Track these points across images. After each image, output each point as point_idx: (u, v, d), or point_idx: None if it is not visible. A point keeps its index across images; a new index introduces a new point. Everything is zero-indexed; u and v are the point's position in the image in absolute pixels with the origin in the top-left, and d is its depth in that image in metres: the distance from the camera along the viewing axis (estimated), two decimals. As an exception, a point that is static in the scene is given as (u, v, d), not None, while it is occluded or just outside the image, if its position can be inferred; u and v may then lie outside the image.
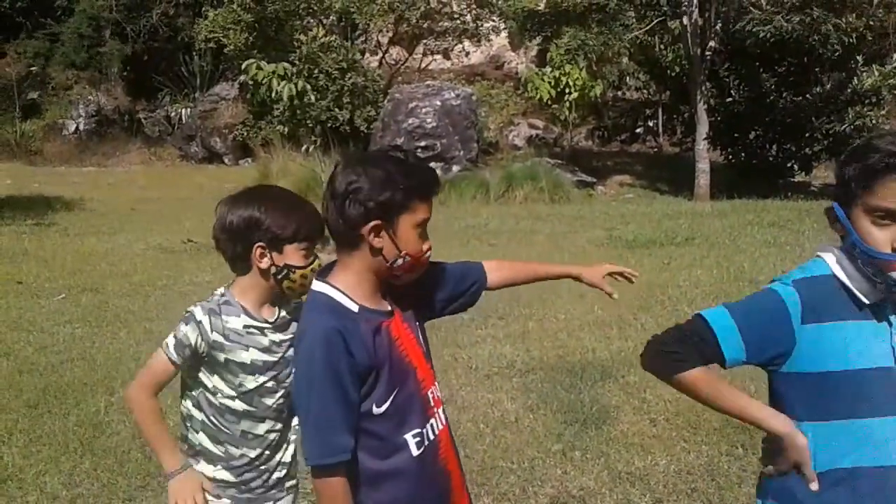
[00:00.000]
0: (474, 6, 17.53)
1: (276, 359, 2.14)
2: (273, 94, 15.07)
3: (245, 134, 16.74)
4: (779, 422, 1.63)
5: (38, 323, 6.06)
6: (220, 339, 2.07)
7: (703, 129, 13.31)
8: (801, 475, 1.61)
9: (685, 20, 13.23)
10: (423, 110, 13.71)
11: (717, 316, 1.66)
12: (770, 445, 1.70)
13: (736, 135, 14.20)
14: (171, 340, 2.08)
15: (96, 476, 3.66)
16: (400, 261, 1.77)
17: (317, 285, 1.82)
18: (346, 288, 1.80)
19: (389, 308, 1.83)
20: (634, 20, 14.82)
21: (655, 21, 14.28)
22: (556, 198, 12.58)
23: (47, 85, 19.44)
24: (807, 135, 13.49)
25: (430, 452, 1.82)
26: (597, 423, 4.14)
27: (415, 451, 1.79)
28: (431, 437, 1.83)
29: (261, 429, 2.15)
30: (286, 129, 15.40)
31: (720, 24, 13.72)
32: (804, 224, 9.43)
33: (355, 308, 1.77)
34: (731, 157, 14.62)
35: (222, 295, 2.14)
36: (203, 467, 2.15)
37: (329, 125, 15.29)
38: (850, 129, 12.96)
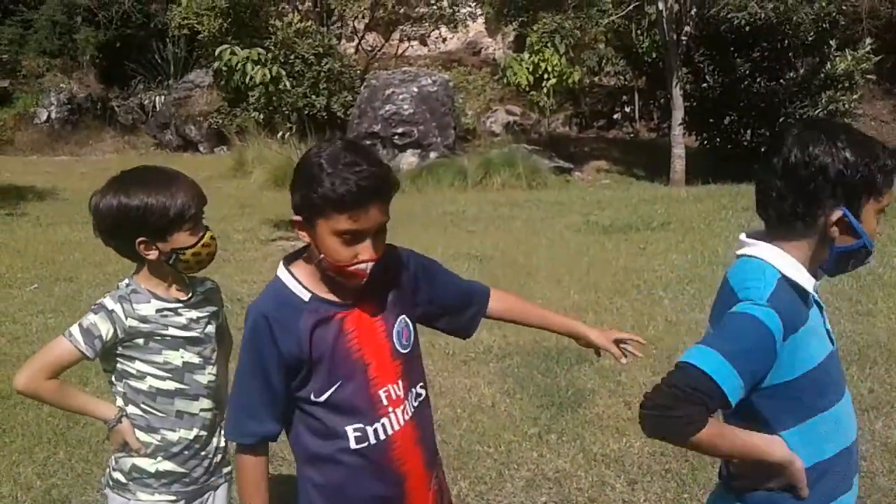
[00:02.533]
0: (451, -9, 17.43)
1: (196, 335, 2.12)
2: (247, 81, 14.92)
3: (220, 121, 16.58)
4: (780, 451, 1.63)
5: (10, 314, 5.99)
6: (137, 323, 2.04)
7: (678, 114, 13.36)
8: (792, 492, 1.65)
9: (661, 5, 13.24)
10: (400, 97, 13.63)
11: (714, 364, 1.53)
12: (749, 466, 1.69)
13: (711, 120, 14.25)
14: (75, 329, 2.02)
15: (70, 466, 3.65)
16: (323, 263, 1.71)
17: (279, 269, 1.80)
18: (303, 275, 1.76)
19: (352, 301, 1.77)
20: (611, 5, 14.82)
21: (632, 6, 14.29)
22: (533, 184, 12.58)
23: (18, 73, 19.11)
24: (781, 119, 13.55)
25: (375, 451, 1.77)
26: (572, 406, 4.18)
27: (353, 445, 1.75)
28: (381, 436, 1.77)
29: (195, 407, 2.13)
30: (261, 117, 15.25)
31: (695, 10, 13.75)
32: (778, 208, 9.51)
33: (306, 297, 1.74)
34: (706, 142, 14.68)
35: (128, 285, 2.10)
36: (143, 461, 2.12)
37: (306, 112, 15.18)
38: (824, 113, 13.06)
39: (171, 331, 2.09)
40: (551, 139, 16.30)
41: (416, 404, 1.87)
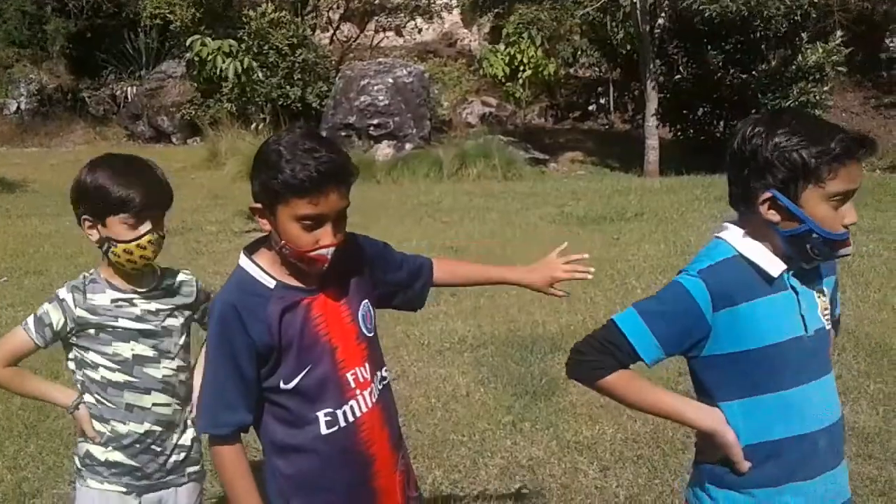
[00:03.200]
0: (426, -18, 17.41)
1: (152, 327, 2.08)
2: (219, 72, 14.78)
3: (193, 112, 16.42)
4: (706, 418, 1.71)
5: (-21, 306, 5.92)
6: (86, 314, 2.03)
7: (652, 106, 13.44)
8: (730, 467, 1.69)
9: (635, -3, 13.31)
10: (375, 88, 13.59)
11: (629, 321, 1.69)
12: (700, 439, 1.77)
13: (684, 111, 14.39)
14: (30, 319, 2.05)
15: (41, 459, 3.62)
16: (285, 249, 1.72)
17: (241, 259, 1.80)
18: (266, 263, 1.78)
19: (316, 286, 1.78)
20: (586, -3, 14.89)
21: (606, -2, 14.35)
22: (508, 175, 12.61)
23: (-14, 63, 18.81)
24: (753, 111, 13.67)
25: (344, 434, 1.79)
26: (546, 394, 4.21)
27: (323, 430, 1.78)
28: (350, 419, 1.79)
29: (146, 401, 2.09)
30: (234, 108, 15.14)
31: (668, 2, 13.84)
32: (750, 198, 9.62)
33: (271, 284, 1.75)
34: (679, 133, 14.81)
35: (90, 274, 2.09)
36: (95, 449, 2.11)
37: (280, 103, 15.08)
38: (795, 104, 13.22)
39: (122, 322, 2.06)
40: (527, 130, 16.35)
41: (380, 387, 1.89)
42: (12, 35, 18.98)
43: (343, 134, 13.38)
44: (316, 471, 1.80)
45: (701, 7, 12.37)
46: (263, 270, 1.77)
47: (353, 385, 1.81)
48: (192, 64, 16.11)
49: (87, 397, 2.10)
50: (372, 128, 13.41)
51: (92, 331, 2.05)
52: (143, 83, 18.19)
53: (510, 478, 3.42)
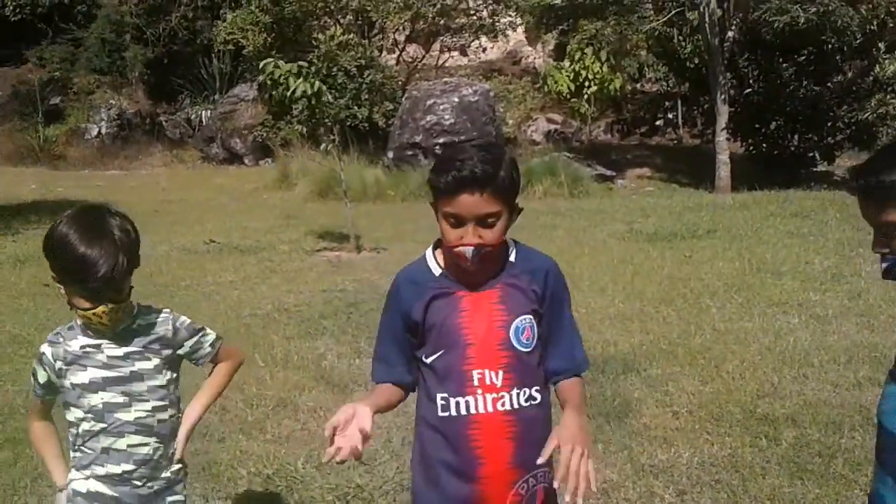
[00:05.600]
0: (491, 1, 17.50)
1: (121, 374, 2.07)
2: (291, 93, 15.14)
3: (265, 134, 16.83)
4: None
5: (59, 323, 6.13)
6: (62, 364, 2.07)
7: (722, 120, 13.21)
8: None
9: (703, 10, 13.12)
10: (441, 107, 13.70)
11: None
12: None
13: (756, 125, 14.10)
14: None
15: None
16: (441, 241, 1.94)
17: (428, 249, 2.03)
18: (441, 256, 1.99)
19: (478, 286, 1.93)
20: (652, 12, 14.75)
21: (673, 12, 14.19)
22: (575, 192, 12.53)
23: (69, 90, 19.66)
24: (828, 124, 13.37)
25: (454, 423, 1.90)
26: (619, 416, 4.14)
27: (439, 412, 1.93)
28: (462, 412, 1.89)
29: (121, 444, 2.09)
30: (305, 129, 15.46)
31: (737, 14, 13.60)
32: (827, 214, 9.34)
33: (437, 272, 1.96)
34: (751, 148, 14.51)
35: (71, 322, 2.12)
36: (77, 483, 2.13)
37: (348, 123, 15.34)
38: (873, 117, 12.82)
39: (91, 371, 2.06)
40: (593, 147, 16.23)
41: (524, 404, 1.91)
42: (93, 62, 19.83)
43: (409, 153, 13.53)
44: (430, 447, 1.96)
45: (771, 18, 12.12)
46: (436, 261, 1.98)
47: (476, 383, 1.89)
48: (263, 87, 16.53)
49: (74, 453, 2.14)
50: (438, 147, 13.49)
51: (67, 383, 2.07)
52: (216, 107, 18.75)
53: (584, 501, 3.37)
